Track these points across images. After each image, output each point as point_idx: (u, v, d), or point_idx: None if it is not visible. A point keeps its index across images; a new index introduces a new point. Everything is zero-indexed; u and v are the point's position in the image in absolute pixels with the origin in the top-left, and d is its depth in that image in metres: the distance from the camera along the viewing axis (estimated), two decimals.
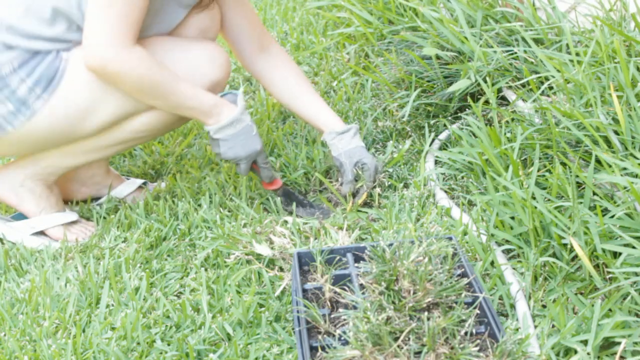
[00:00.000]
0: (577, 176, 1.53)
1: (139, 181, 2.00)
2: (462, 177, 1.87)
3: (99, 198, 2.01)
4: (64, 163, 1.79)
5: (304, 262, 1.49)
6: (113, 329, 1.44)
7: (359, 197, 1.84)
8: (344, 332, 1.25)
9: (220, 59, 1.76)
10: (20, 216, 1.86)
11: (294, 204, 1.82)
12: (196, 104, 1.69)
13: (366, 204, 1.86)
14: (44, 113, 1.64)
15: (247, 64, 1.95)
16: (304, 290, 1.40)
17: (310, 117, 1.93)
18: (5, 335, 1.46)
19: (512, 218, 1.58)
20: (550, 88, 1.88)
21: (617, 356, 1.20)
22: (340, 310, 1.31)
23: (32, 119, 1.64)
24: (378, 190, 1.87)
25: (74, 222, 1.85)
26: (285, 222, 1.75)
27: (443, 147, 2.04)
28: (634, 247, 1.32)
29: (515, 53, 2.04)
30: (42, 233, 1.83)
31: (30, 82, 1.61)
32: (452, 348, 1.18)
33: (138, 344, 1.40)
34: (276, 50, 1.94)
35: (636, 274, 1.32)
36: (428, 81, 2.16)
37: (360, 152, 1.86)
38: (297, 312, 1.32)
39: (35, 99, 1.62)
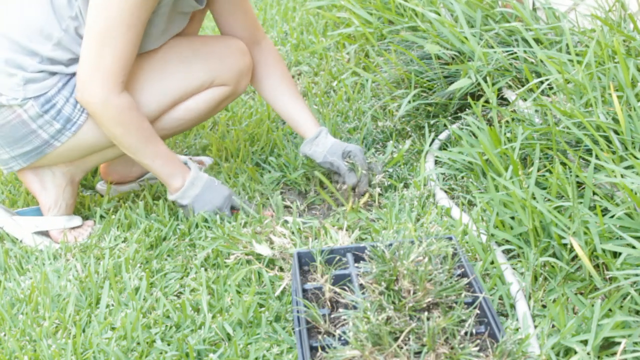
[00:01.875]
0: (577, 176, 1.53)
1: (184, 158, 2.01)
2: (462, 177, 1.87)
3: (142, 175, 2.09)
4: (103, 157, 1.84)
5: (304, 262, 1.49)
6: (113, 329, 1.44)
7: (360, 192, 1.85)
8: (344, 332, 1.25)
9: (242, 49, 1.86)
10: (26, 212, 1.86)
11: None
12: (168, 164, 1.75)
13: (366, 204, 1.86)
14: (88, 126, 1.70)
15: None
16: (304, 290, 1.40)
17: (286, 118, 1.96)
18: (5, 335, 1.46)
19: (512, 218, 1.58)
20: (550, 88, 1.88)
21: (617, 356, 1.20)
22: (340, 310, 1.31)
23: (77, 134, 1.70)
24: (378, 190, 1.87)
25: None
26: (286, 222, 1.75)
27: (443, 147, 2.04)
28: (634, 247, 1.32)
29: (515, 53, 2.04)
30: (43, 233, 1.83)
31: (73, 99, 1.67)
32: (452, 348, 1.18)
33: (138, 344, 1.40)
34: (267, 47, 1.96)
35: (636, 274, 1.32)
36: (428, 81, 2.16)
37: (340, 145, 1.90)
38: (297, 312, 1.32)
39: (79, 115, 1.68)
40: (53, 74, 1.66)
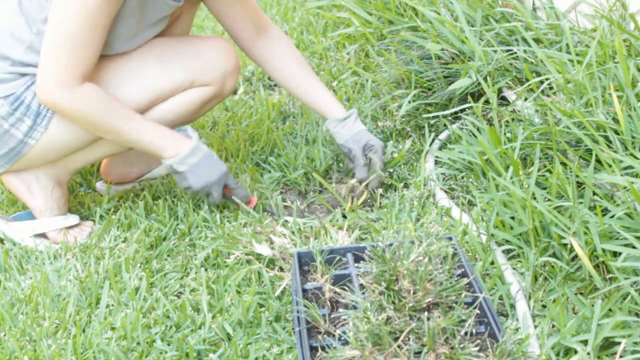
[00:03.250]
0: (577, 176, 1.53)
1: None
2: (462, 177, 1.87)
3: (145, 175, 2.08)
4: (86, 159, 1.82)
5: (304, 262, 1.49)
6: (113, 329, 1.44)
7: (372, 187, 1.85)
8: (344, 332, 1.25)
9: (228, 50, 1.81)
10: (21, 216, 1.86)
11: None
12: (155, 137, 1.70)
13: (366, 204, 1.86)
14: (58, 118, 1.68)
15: (246, 50, 1.95)
16: (304, 290, 1.40)
17: (312, 104, 1.93)
18: (5, 335, 1.46)
19: (512, 218, 1.58)
20: (551, 88, 1.88)
21: (617, 356, 1.20)
22: (340, 310, 1.31)
23: (49, 128, 1.68)
24: (379, 190, 1.87)
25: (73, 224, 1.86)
26: (286, 222, 1.75)
27: (443, 147, 2.04)
28: (634, 247, 1.32)
29: (515, 53, 2.04)
30: (41, 235, 1.82)
31: None
32: (452, 348, 1.18)
33: (138, 344, 1.40)
34: (275, 34, 1.93)
35: (636, 274, 1.32)
36: (428, 81, 2.15)
37: (366, 135, 1.88)
38: (297, 312, 1.32)
39: (46, 108, 1.67)
40: (23, 75, 1.66)
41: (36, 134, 1.68)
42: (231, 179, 1.78)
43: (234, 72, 1.83)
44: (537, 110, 1.82)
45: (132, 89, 1.71)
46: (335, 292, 1.39)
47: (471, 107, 2.02)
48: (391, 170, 1.97)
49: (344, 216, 1.79)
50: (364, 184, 1.85)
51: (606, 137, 1.59)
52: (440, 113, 2.07)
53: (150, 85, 1.73)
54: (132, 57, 1.72)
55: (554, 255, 1.48)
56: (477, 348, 1.21)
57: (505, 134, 1.78)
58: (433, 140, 2.06)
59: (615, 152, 1.53)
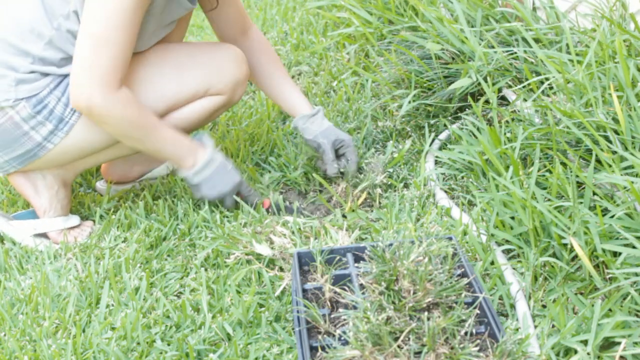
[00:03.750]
0: (577, 176, 1.53)
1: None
2: (462, 177, 1.87)
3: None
4: (95, 161, 1.83)
5: (304, 262, 1.49)
6: (113, 329, 1.44)
7: (348, 180, 1.86)
8: (344, 332, 1.25)
9: (240, 59, 1.84)
10: (23, 215, 1.86)
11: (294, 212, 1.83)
12: (176, 148, 1.73)
13: (366, 204, 1.86)
14: (80, 125, 1.68)
15: None
16: (304, 290, 1.40)
17: (282, 102, 1.98)
18: (5, 335, 1.46)
19: (512, 218, 1.58)
20: (551, 88, 1.88)
21: (617, 356, 1.20)
22: (340, 310, 1.31)
23: (69, 134, 1.68)
24: (378, 190, 1.87)
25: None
26: (286, 222, 1.75)
27: (443, 147, 2.04)
28: (634, 247, 1.32)
29: (515, 53, 2.04)
30: (42, 234, 1.82)
31: (65, 99, 1.65)
32: (452, 348, 1.18)
33: (138, 344, 1.40)
34: (255, 36, 1.98)
35: (636, 274, 1.31)
36: (428, 81, 2.15)
37: (335, 131, 1.93)
38: (297, 312, 1.32)
39: (71, 114, 1.66)
40: (45, 75, 1.65)
41: (56, 139, 1.68)
42: (245, 187, 1.82)
43: (244, 81, 1.86)
44: (537, 110, 1.82)
45: (149, 96, 1.72)
46: (335, 292, 1.39)
47: (471, 107, 2.02)
48: (391, 170, 1.98)
49: (344, 216, 1.79)
50: (361, 187, 1.86)
51: (606, 137, 1.59)
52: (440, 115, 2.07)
53: (168, 93, 1.75)
54: (149, 64, 1.73)
55: (554, 255, 1.48)
56: (477, 348, 1.21)
57: (505, 134, 1.78)
58: (433, 140, 2.06)
59: (615, 152, 1.53)
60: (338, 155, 1.94)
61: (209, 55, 1.81)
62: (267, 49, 1.99)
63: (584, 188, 1.53)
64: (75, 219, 1.85)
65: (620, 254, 1.35)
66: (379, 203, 1.85)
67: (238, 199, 1.80)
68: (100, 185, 2.06)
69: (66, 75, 1.66)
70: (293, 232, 1.69)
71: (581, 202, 1.48)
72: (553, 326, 1.35)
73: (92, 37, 1.55)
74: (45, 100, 1.64)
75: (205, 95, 1.80)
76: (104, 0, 1.52)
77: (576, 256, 1.43)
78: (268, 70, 1.98)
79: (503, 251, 1.56)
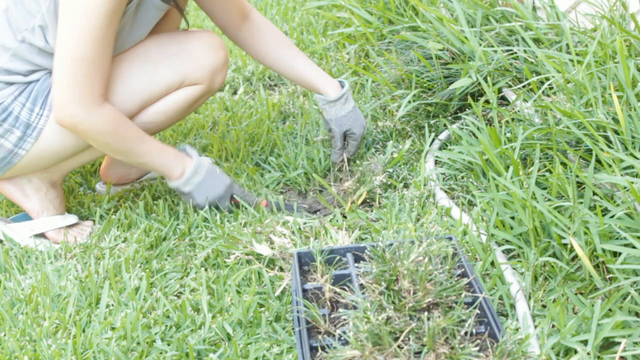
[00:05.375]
0: (577, 176, 1.53)
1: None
2: (462, 177, 1.87)
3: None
4: (79, 162, 1.81)
5: (304, 262, 1.49)
6: (113, 329, 1.44)
7: (357, 195, 1.85)
8: (344, 332, 1.25)
9: (216, 45, 1.79)
10: (20, 218, 1.86)
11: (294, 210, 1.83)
12: (163, 158, 1.72)
13: (366, 204, 1.86)
14: (49, 129, 1.66)
15: (232, 38, 1.95)
16: (304, 290, 1.40)
17: (303, 83, 1.95)
18: (5, 335, 1.46)
19: (512, 218, 1.58)
20: (551, 88, 1.88)
21: (617, 356, 1.20)
22: (340, 310, 1.31)
23: (40, 139, 1.67)
24: (378, 190, 1.87)
25: (73, 224, 1.85)
26: (286, 222, 1.75)
27: (443, 147, 2.04)
28: (634, 247, 1.32)
29: (516, 53, 2.04)
30: (41, 235, 1.82)
31: (30, 104, 1.64)
32: (452, 348, 1.18)
33: (138, 344, 1.40)
34: (257, 19, 1.93)
35: (636, 274, 1.31)
36: (428, 81, 2.15)
37: (350, 120, 1.92)
38: (297, 312, 1.32)
39: (38, 119, 1.65)
40: (10, 84, 1.64)
41: (26, 145, 1.67)
42: (236, 188, 1.81)
43: (223, 67, 1.81)
44: (537, 110, 1.82)
45: (120, 93, 1.69)
46: (335, 292, 1.39)
47: (471, 106, 2.02)
48: (391, 170, 1.98)
49: (344, 216, 1.79)
50: (363, 190, 1.86)
51: (606, 137, 1.59)
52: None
53: (140, 89, 1.71)
54: (119, 61, 1.70)
55: (554, 255, 1.48)
56: (477, 348, 1.21)
57: (505, 134, 1.78)
58: (433, 140, 2.06)
59: (615, 152, 1.53)
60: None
61: (179, 44, 1.76)
62: (272, 30, 1.94)
63: (584, 188, 1.53)
64: (72, 217, 1.85)
65: (620, 254, 1.35)
66: (379, 203, 1.85)
67: (238, 199, 1.80)
68: (99, 186, 2.06)
69: (31, 82, 1.66)
70: (293, 232, 1.69)
71: (581, 202, 1.48)
72: (553, 326, 1.35)
73: (67, 56, 1.54)
74: (10, 108, 1.64)
75: (182, 87, 1.76)
76: (76, 20, 1.51)
77: (576, 256, 1.43)
78: (279, 53, 1.93)
79: (503, 251, 1.56)
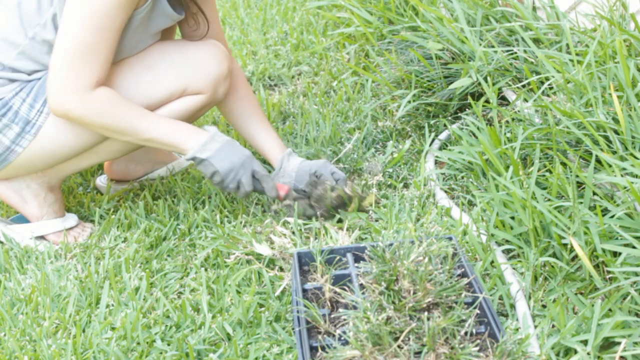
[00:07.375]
0: (577, 176, 1.53)
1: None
2: (462, 177, 1.87)
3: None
4: (77, 166, 1.79)
5: (304, 262, 1.49)
6: (113, 329, 1.44)
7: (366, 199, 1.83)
8: (344, 332, 1.25)
9: (220, 55, 1.77)
10: (20, 219, 1.86)
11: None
12: (175, 130, 1.66)
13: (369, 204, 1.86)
14: (48, 127, 1.66)
15: None
16: (304, 290, 1.40)
17: (253, 145, 1.92)
18: (5, 335, 1.46)
19: (512, 218, 1.58)
20: (551, 88, 1.88)
21: (617, 356, 1.20)
22: (340, 310, 1.31)
23: (38, 136, 1.66)
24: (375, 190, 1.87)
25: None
26: (286, 222, 1.75)
27: (443, 147, 2.04)
28: (634, 247, 1.32)
29: (515, 53, 2.04)
30: (41, 237, 1.82)
31: (30, 100, 1.64)
32: (452, 348, 1.18)
33: (138, 344, 1.40)
34: (234, 69, 1.89)
35: (636, 274, 1.31)
36: (428, 81, 2.16)
37: (305, 168, 1.83)
38: (297, 312, 1.32)
39: (37, 116, 1.64)
40: (13, 81, 1.64)
41: (24, 142, 1.66)
42: (257, 164, 1.72)
43: (226, 78, 1.79)
44: (537, 110, 1.82)
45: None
46: (335, 292, 1.39)
47: (471, 106, 2.02)
48: (391, 170, 1.98)
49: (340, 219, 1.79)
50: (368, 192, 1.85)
51: (606, 137, 1.59)
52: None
53: (140, 95, 1.69)
54: (122, 66, 1.69)
55: (554, 255, 1.48)
56: (477, 348, 1.21)
57: (505, 134, 1.78)
58: (433, 140, 2.06)
59: (615, 152, 1.53)
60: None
61: (184, 53, 1.74)
62: (245, 86, 1.91)
63: (584, 188, 1.53)
64: (72, 219, 1.84)
65: (620, 254, 1.35)
66: (379, 203, 1.85)
67: (260, 188, 1.71)
68: (99, 182, 2.05)
69: (32, 80, 1.65)
70: (293, 232, 1.69)
71: (581, 202, 1.48)
72: (553, 326, 1.35)
73: (66, 43, 1.54)
74: (10, 103, 1.63)
75: (184, 95, 1.74)
76: (82, 4, 1.51)
77: (576, 256, 1.43)
78: (243, 110, 1.90)
79: (503, 251, 1.56)
